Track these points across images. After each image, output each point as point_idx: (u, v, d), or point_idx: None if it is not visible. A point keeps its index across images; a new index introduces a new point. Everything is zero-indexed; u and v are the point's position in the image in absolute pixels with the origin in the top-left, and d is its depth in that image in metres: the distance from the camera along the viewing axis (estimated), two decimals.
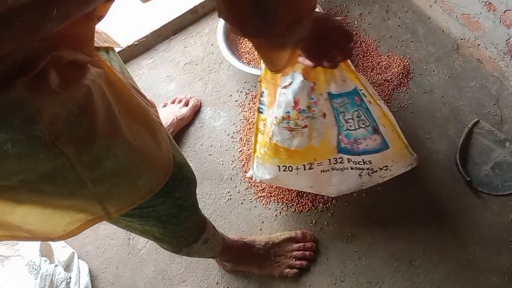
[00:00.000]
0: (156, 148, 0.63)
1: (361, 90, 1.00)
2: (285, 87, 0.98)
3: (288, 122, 1.01)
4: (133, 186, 0.60)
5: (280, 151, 1.08)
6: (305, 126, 1.02)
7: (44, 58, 0.44)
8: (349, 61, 0.99)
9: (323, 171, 1.12)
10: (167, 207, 0.72)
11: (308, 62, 0.86)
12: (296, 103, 0.99)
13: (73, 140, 0.48)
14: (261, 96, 1.08)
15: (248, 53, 1.56)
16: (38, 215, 0.54)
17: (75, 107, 0.47)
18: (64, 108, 0.46)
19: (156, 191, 0.65)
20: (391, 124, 1.05)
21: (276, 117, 1.02)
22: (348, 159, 1.09)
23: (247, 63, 1.53)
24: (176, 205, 0.74)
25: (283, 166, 1.11)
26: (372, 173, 1.11)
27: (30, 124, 0.43)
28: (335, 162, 1.10)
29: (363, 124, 1.02)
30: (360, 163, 1.09)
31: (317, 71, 0.95)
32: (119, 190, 0.59)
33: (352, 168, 1.11)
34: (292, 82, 0.97)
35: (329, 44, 0.81)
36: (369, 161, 1.08)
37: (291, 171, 1.11)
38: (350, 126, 1.03)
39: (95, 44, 0.63)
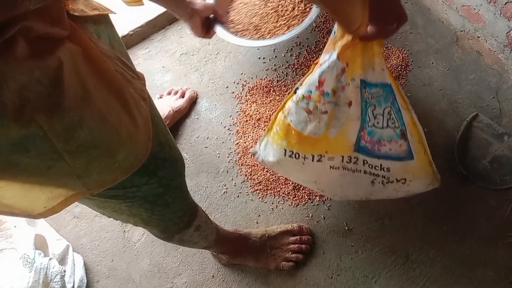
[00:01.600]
0: (132, 123, 0.61)
1: (394, 89, 0.89)
2: (320, 64, 0.87)
3: (308, 103, 0.91)
4: (112, 160, 0.59)
5: (291, 133, 0.97)
6: (325, 112, 0.90)
7: (13, 25, 0.44)
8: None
9: (333, 168, 1.01)
10: (153, 186, 0.72)
11: (370, 29, 0.79)
12: (320, 83, 0.87)
13: (43, 109, 0.48)
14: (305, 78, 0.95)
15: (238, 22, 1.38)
16: (16, 189, 0.54)
17: (44, 77, 0.47)
18: (32, 77, 0.46)
19: (137, 167, 0.64)
20: (418, 135, 0.93)
21: (298, 95, 0.92)
22: (364, 160, 0.97)
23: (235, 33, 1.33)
24: (161, 185, 0.73)
25: (289, 150, 0.99)
26: (387, 182, 0.99)
27: None
28: (349, 161, 0.98)
29: (393, 124, 0.90)
30: (376, 167, 0.97)
31: (355, 52, 0.82)
32: (98, 165, 0.58)
33: (366, 172, 0.99)
34: (322, 64, 0.86)
35: (389, 9, 0.76)
36: (387, 168, 0.96)
37: (297, 158, 0.99)
38: (378, 122, 0.91)
39: (82, 14, 0.61)
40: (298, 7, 1.33)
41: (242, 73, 1.52)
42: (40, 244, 1.25)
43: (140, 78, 0.68)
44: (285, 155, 1.00)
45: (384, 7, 0.74)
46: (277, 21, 1.30)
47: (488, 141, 1.28)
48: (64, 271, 1.22)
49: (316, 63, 0.89)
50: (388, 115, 0.90)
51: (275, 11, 1.33)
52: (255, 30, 1.29)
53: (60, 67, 0.49)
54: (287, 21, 1.30)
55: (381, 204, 1.26)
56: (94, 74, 0.54)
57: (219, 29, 1.22)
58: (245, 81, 1.51)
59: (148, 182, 0.70)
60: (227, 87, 1.51)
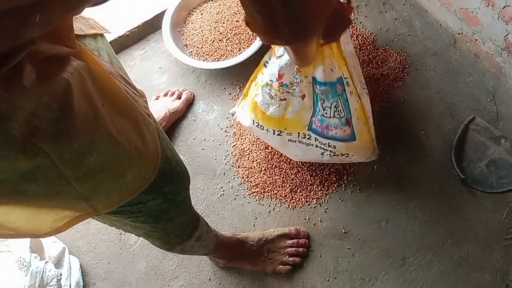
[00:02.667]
0: (142, 142, 0.60)
1: (346, 78, 1.05)
2: (277, 57, 1.04)
3: (270, 89, 1.10)
4: (120, 182, 0.58)
5: (257, 109, 1.17)
6: (284, 99, 1.10)
7: (20, 52, 0.41)
8: (342, 46, 1.02)
9: (290, 141, 1.20)
10: (158, 202, 0.71)
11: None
12: (280, 76, 1.06)
13: (52, 136, 0.46)
14: (271, 55, 1.11)
15: (192, 46, 1.54)
16: (22, 213, 0.53)
17: (53, 101, 0.45)
18: (41, 104, 0.44)
19: (145, 187, 0.63)
20: (365, 117, 1.12)
21: (262, 80, 1.11)
22: (315, 138, 1.17)
23: (189, 54, 1.53)
24: (166, 200, 0.73)
25: (256, 122, 1.20)
26: (333, 155, 1.19)
27: (3, 122, 0.41)
28: (303, 137, 1.18)
29: (338, 114, 1.10)
30: (325, 144, 1.17)
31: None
32: (106, 187, 0.57)
33: (316, 146, 1.19)
34: (282, 55, 1.03)
35: (334, 19, 0.80)
36: (333, 146, 1.16)
37: (262, 130, 1.20)
38: (326, 113, 1.11)
39: (81, 32, 0.61)
40: (246, 32, 1.53)
41: (239, 74, 1.51)
42: (36, 247, 1.24)
43: (141, 95, 0.67)
44: (253, 124, 1.21)
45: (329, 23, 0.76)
46: (226, 46, 1.51)
47: (485, 144, 1.29)
48: (61, 274, 1.21)
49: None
50: (334, 108, 1.09)
51: (224, 36, 1.52)
52: (207, 54, 1.51)
53: (69, 88, 0.47)
54: (238, 45, 1.51)
55: (378, 207, 1.26)
56: (101, 92, 0.53)
57: (176, 52, 1.47)
58: (242, 82, 1.50)
59: (153, 198, 0.69)
60: (224, 88, 1.51)
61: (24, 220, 0.54)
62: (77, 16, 0.61)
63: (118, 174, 0.58)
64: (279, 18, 0.51)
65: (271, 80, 1.08)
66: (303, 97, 1.09)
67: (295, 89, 1.08)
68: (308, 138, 1.18)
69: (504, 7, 1.21)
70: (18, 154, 0.44)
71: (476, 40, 1.39)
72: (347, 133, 1.13)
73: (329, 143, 1.16)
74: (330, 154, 1.19)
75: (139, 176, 0.61)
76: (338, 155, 1.19)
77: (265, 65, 1.13)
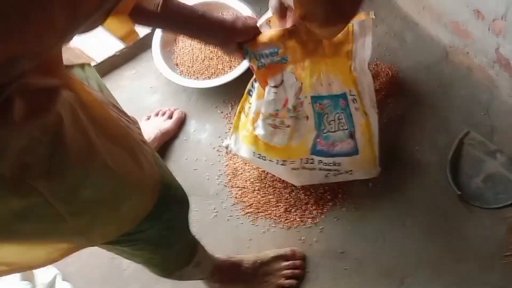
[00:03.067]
0: (139, 171, 0.59)
1: (353, 95, 1.07)
2: (276, 86, 1.02)
3: (274, 120, 1.07)
4: (117, 213, 0.58)
5: (259, 142, 1.14)
6: (288, 126, 1.09)
7: (9, 86, 0.39)
8: (353, 64, 1.05)
9: (294, 169, 1.18)
10: (157, 229, 0.70)
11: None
12: (287, 100, 1.04)
13: (45, 173, 0.44)
14: (255, 81, 1.09)
15: (183, 65, 1.53)
16: (16, 249, 0.52)
17: (45, 136, 0.44)
18: (32, 139, 0.43)
19: (143, 217, 0.62)
20: (369, 135, 1.13)
21: (262, 113, 1.07)
22: (319, 160, 1.16)
23: (180, 73, 1.52)
24: (166, 227, 0.72)
25: (258, 153, 1.17)
26: (338, 174, 1.20)
27: None
28: (306, 162, 1.17)
29: (342, 126, 1.11)
30: (330, 164, 1.17)
31: (304, 73, 1.02)
32: (102, 219, 0.56)
33: (320, 169, 1.19)
34: (283, 81, 1.01)
35: None
36: (338, 163, 1.16)
37: (265, 160, 1.17)
38: (332, 128, 1.11)
39: (69, 63, 0.61)
40: None
41: (231, 92, 1.50)
42: (27, 274, 1.22)
43: (134, 122, 0.66)
44: (254, 156, 1.18)
45: None
46: (217, 64, 1.51)
47: (480, 158, 1.27)
48: None
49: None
50: (338, 120, 1.10)
51: (214, 54, 1.52)
52: (198, 72, 1.50)
53: (60, 121, 0.45)
54: (229, 62, 1.50)
55: (375, 225, 1.24)
56: (94, 122, 0.51)
57: (167, 72, 1.46)
58: (234, 100, 1.49)
59: (152, 226, 0.68)
60: (216, 106, 1.49)
61: (19, 254, 0.53)
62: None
63: (115, 206, 0.57)
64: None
65: (277, 110, 1.05)
66: (306, 118, 1.09)
67: (299, 111, 1.07)
68: (311, 163, 1.17)
69: (494, 20, 1.20)
70: (9, 194, 0.43)
71: (468, 53, 1.38)
72: (351, 146, 1.14)
73: (334, 162, 1.15)
74: (334, 174, 1.19)
75: (137, 206, 0.60)
76: (342, 172, 1.19)
77: (249, 94, 1.13)
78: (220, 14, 1.57)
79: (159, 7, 0.75)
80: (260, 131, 1.10)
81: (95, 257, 1.32)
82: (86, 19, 0.39)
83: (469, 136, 1.29)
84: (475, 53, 1.36)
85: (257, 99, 1.09)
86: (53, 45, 0.39)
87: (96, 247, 1.31)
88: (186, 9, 0.82)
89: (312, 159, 1.15)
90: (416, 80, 1.42)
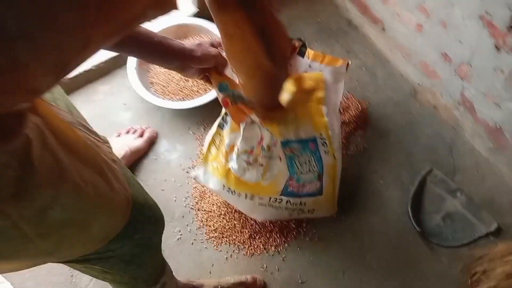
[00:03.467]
0: (109, 191, 0.59)
1: (323, 139, 1.08)
2: (252, 122, 1.05)
3: (249, 156, 1.09)
4: (86, 234, 0.57)
5: (230, 175, 1.15)
6: (261, 165, 1.10)
7: None
8: (323, 108, 1.07)
9: (261, 205, 1.18)
10: (128, 248, 0.69)
11: None
12: (262, 138, 1.07)
13: (13, 195, 0.44)
14: (225, 114, 1.10)
15: (158, 84, 1.55)
16: None
17: (13, 160, 0.43)
18: (0, 164, 0.42)
19: (113, 237, 0.61)
20: (334, 176, 1.14)
21: (238, 148, 1.08)
22: (287, 201, 1.16)
23: (155, 92, 1.53)
24: (137, 245, 0.71)
25: (227, 187, 1.17)
26: (301, 213, 1.20)
27: None
28: (275, 201, 1.17)
29: (312, 169, 1.11)
30: (296, 204, 1.17)
31: (272, 121, 1.04)
32: (71, 240, 0.55)
33: (286, 209, 1.19)
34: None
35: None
36: (304, 203, 1.17)
37: (233, 194, 1.18)
38: (303, 170, 1.11)
39: None
40: None
41: (205, 114, 1.51)
42: None
43: (105, 141, 0.66)
44: (223, 189, 1.18)
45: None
46: (192, 86, 1.52)
47: (441, 196, 1.31)
48: None
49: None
50: (308, 162, 1.10)
51: None
52: (173, 93, 1.52)
53: (29, 144, 0.45)
54: (204, 85, 1.52)
55: (337, 257, 1.26)
56: (62, 143, 0.51)
57: (140, 90, 1.46)
58: (207, 123, 1.49)
59: (123, 246, 0.67)
60: (188, 128, 1.50)
61: None
62: None
63: (84, 227, 0.56)
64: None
65: (252, 147, 1.07)
66: (279, 159, 1.09)
67: (273, 151, 1.09)
68: (279, 202, 1.17)
69: (460, 64, 1.26)
70: None
71: (435, 92, 1.43)
72: (317, 187, 1.14)
73: (300, 201, 1.16)
74: (298, 213, 1.20)
75: (106, 226, 0.60)
76: (306, 212, 1.20)
77: (220, 127, 1.15)
78: (197, 37, 1.59)
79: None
80: (233, 165, 1.11)
81: (53, 274, 1.29)
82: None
83: (432, 174, 1.33)
84: (441, 93, 1.41)
85: (230, 133, 1.10)
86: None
87: (55, 264, 1.29)
88: (142, 34, 0.81)
89: (281, 199, 1.16)
90: (384, 115, 1.46)
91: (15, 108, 0.46)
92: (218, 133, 1.18)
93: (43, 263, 0.59)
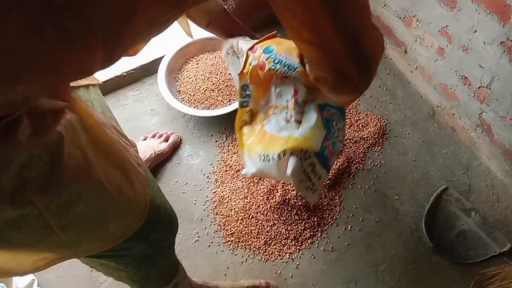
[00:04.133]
0: (131, 192, 0.62)
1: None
2: (286, 76, 0.96)
3: (287, 112, 1.01)
4: (103, 231, 0.60)
5: (265, 137, 1.04)
6: (298, 121, 1.00)
7: (20, 109, 0.44)
8: None
9: (293, 155, 1.01)
10: (142, 248, 0.72)
11: None
12: (295, 91, 0.98)
13: (42, 188, 0.47)
14: (243, 90, 1.04)
15: (185, 93, 1.61)
16: (3, 254, 0.54)
17: (45, 154, 0.47)
18: (33, 156, 0.46)
19: (129, 236, 0.64)
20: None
21: (276, 106, 1.02)
22: (313, 163, 1.02)
23: (181, 100, 1.59)
24: (151, 246, 0.74)
25: (263, 155, 1.03)
26: (305, 188, 1.04)
27: None
28: (304, 156, 1.00)
29: (342, 139, 1.06)
30: (315, 174, 1.03)
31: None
32: (89, 235, 0.58)
33: (304, 171, 1.02)
34: (288, 72, 0.93)
35: None
36: (319, 176, 1.04)
37: (269, 161, 1.02)
38: (339, 136, 1.04)
39: (75, 84, 0.64)
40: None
41: (227, 123, 1.57)
42: (4, 277, 1.23)
43: (132, 145, 0.69)
44: (260, 160, 1.04)
45: None
46: (218, 95, 1.58)
47: (456, 214, 1.33)
48: None
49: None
50: (342, 132, 1.04)
51: (216, 87, 1.59)
52: (199, 101, 1.58)
53: (61, 141, 0.48)
54: (229, 96, 1.58)
55: (349, 267, 1.28)
56: (93, 143, 0.54)
57: (169, 97, 1.52)
58: (229, 131, 1.55)
59: (138, 245, 0.70)
60: (211, 135, 1.55)
61: (6, 259, 0.55)
62: None
63: (103, 224, 0.59)
64: (351, 74, 0.62)
65: (287, 100, 1.00)
66: (315, 116, 0.98)
67: (309, 107, 1.00)
68: (306, 158, 1.00)
69: (479, 87, 1.29)
70: (6, 204, 0.45)
71: (454, 114, 1.47)
72: (334, 162, 1.09)
73: (320, 174, 1.03)
74: (308, 186, 1.04)
75: (123, 225, 0.62)
76: (309, 187, 1.04)
77: (243, 106, 1.07)
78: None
79: (207, 26, 0.97)
80: (270, 125, 1.03)
81: (74, 268, 1.33)
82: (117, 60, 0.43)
83: (447, 192, 1.36)
84: (460, 115, 1.44)
85: (260, 100, 1.05)
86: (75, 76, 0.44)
87: (76, 259, 1.33)
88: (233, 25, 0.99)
89: (310, 157, 1.01)
90: (402, 134, 1.50)
91: (56, 106, 0.50)
92: (244, 112, 1.08)
93: (61, 260, 0.60)
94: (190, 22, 0.99)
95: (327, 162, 1.04)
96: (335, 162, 1.37)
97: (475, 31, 1.21)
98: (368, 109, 1.54)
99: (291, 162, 1.00)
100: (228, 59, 1.12)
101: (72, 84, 0.60)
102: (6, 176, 0.44)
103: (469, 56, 1.28)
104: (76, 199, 0.52)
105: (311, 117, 0.99)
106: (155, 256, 0.78)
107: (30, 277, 1.27)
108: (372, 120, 1.51)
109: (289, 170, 1.02)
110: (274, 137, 1.02)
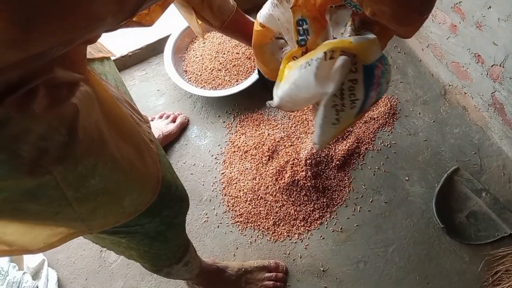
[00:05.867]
0: (143, 167, 0.62)
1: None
2: (342, 5, 0.86)
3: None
4: (118, 205, 0.60)
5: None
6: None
7: (37, 79, 0.44)
8: None
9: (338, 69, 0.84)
10: (155, 224, 0.72)
11: None
12: (353, 19, 0.85)
13: (59, 159, 0.48)
14: (299, 25, 0.92)
15: (191, 73, 1.59)
16: (19, 227, 0.54)
17: (62, 126, 0.47)
18: (50, 127, 0.46)
19: (142, 211, 0.64)
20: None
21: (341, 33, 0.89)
22: (355, 80, 0.84)
23: (188, 80, 1.57)
24: (164, 223, 0.74)
25: (305, 63, 0.86)
26: (339, 110, 0.88)
27: (14, 144, 0.43)
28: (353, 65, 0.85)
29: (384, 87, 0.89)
30: (351, 100, 0.86)
31: None
32: (104, 210, 0.59)
33: (343, 85, 0.86)
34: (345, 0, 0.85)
35: None
36: (353, 105, 0.86)
37: (308, 66, 0.85)
38: (388, 76, 0.85)
39: (90, 56, 0.63)
40: (245, 64, 1.58)
41: (235, 104, 1.55)
42: (16, 257, 1.24)
43: (145, 121, 0.69)
44: (300, 68, 0.88)
45: None
46: (225, 75, 1.56)
47: (466, 195, 1.32)
48: (37, 287, 1.21)
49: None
50: (390, 74, 0.88)
51: (223, 66, 1.57)
52: (206, 81, 1.55)
53: (77, 113, 0.49)
54: (236, 76, 1.56)
55: (358, 248, 1.28)
56: (107, 117, 0.54)
57: (175, 77, 1.49)
58: (236, 112, 1.54)
59: (151, 221, 0.70)
60: (219, 116, 1.54)
61: (20, 233, 0.55)
62: None
63: (117, 198, 0.59)
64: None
65: (345, 26, 0.86)
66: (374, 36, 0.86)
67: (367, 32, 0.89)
68: (354, 72, 0.84)
69: (492, 65, 1.26)
70: (25, 174, 0.45)
71: (465, 93, 1.44)
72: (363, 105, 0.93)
73: (355, 102, 0.85)
74: (336, 109, 0.87)
75: (137, 201, 0.63)
76: (334, 107, 0.88)
77: (301, 43, 0.92)
78: None
79: (221, 28, 0.95)
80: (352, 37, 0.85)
81: (83, 249, 1.34)
82: (130, 14, 0.43)
83: (458, 173, 1.34)
84: (472, 94, 1.42)
85: (319, 35, 0.92)
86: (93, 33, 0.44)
87: (84, 239, 1.34)
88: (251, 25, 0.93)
89: (357, 71, 0.83)
90: (413, 113, 1.48)
91: (72, 78, 0.49)
92: (298, 50, 0.92)
93: (75, 236, 0.61)
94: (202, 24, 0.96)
95: (369, 90, 0.87)
96: (347, 140, 1.34)
97: (490, 7, 1.18)
98: None
99: (340, 60, 0.84)
100: (273, 7, 0.98)
101: (87, 56, 0.59)
102: (25, 146, 0.44)
103: (482, 33, 1.25)
104: (91, 172, 0.52)
105: (369, 35, 0.86)
106: (167, 233, 0.78)
107: (40, 257, 1.29)
108: (383, 99, 1.49)
109: (336, 65, 0.84)
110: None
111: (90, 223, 0.58)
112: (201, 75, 1.56)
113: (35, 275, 1.25)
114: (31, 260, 1.26)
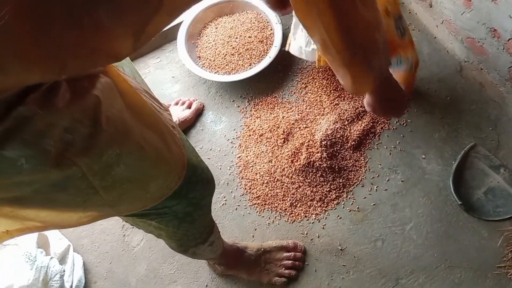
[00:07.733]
0: (168, 153, 0.64)
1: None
2: None
3: None
4: (144, 191, 0.63)
5: None
6: None
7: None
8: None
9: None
10: (183, 206, 0.75)
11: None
12: None
13: (84, 150, 0.50)
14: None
15: (205, 58, 1.60)
16: (51, 211, 0.57)
17: (85, 118, 0.49)
18: (74, 120, 0.48)
19: (169, 195, 0.67)
20: None
21: None
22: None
23: (202, 66, 1.58)
24: (191, 204, 0.76)
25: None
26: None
27: (40, 139, 0.45)
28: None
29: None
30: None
31: None
32: (131, 196, 0.61)
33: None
34: None
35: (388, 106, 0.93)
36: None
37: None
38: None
39: None
40: (258, 48, 1.56)
41: (249, 88, 1.56)
42: (42, 243, 1.28)
43: (165, 109, 0.71)
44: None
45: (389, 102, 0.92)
46: (238, 60, 1.56)
47: (484, 172, 1.31)
48: (64, 271, 1.26)
49: None
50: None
51: (236, 51, 1.57)
52: (219, 66, 1.56)
53: (99, 104, 0.50)
54: (249, 60, 1.56)
55: (375, 227, 1.29)
56: (129, 106, 0.56)
57: (189, 63, 1.53)
58: (251, 96, 1.55)
59: (178, 203, 0.73)
60: (233, 100, 1.55)
61: (53, 216, 0.58)
62: None
63: (143, 185, 0.62)
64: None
65: None
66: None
67: None
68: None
69: (509, 39, 1.24)
70: (52, 167, 0.47)
71: (482, 69, 1.42)
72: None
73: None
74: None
75: (163, 185, 0.65)
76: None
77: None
78: (244, 12, 1.64)
79: None
80: None
81: (106, 234, 1.39)
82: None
83: (475, 149, 1.33)
84: (488, 69, 1.40)
85: None
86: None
87: (108, 222, 1.38)
88: None
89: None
90: (429, 91, 1.46)
91: (92, 71, 0.52)
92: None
93: (105, 217, 0.64)
94: None
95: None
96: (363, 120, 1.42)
97: None
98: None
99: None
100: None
101: None
102: (51, 140, 0.46)
103: (498, 7, 1.23)
104: (116, 161, 0.54)
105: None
106: (194, 214, 0.80)
107: (66, 242, 1.33)
108: (398, 78, 1.48)
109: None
110: None
111: (118, 207, 0.61)
112: (214, 60, 1.57)
113: (62, 260, 1.29)
114: (57, 246, 1.31)
